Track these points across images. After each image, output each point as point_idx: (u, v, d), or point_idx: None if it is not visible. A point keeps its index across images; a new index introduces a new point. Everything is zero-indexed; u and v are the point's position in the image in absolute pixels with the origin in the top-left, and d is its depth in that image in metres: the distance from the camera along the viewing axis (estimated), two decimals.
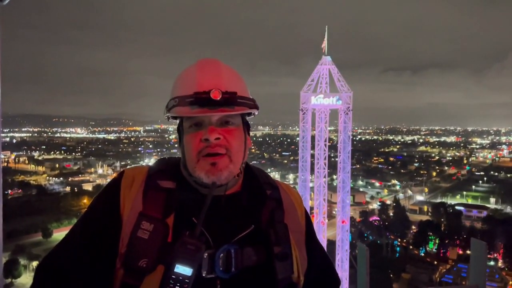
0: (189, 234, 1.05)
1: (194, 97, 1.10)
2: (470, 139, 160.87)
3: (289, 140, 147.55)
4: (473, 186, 79.68)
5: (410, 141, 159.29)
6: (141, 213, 1.11)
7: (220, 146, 1.12)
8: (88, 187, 67.58)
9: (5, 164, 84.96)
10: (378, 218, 55.54)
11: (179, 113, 1.14)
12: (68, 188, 68.56)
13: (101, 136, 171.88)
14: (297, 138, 34.50)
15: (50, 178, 79.10)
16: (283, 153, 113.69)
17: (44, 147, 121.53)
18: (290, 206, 1.28)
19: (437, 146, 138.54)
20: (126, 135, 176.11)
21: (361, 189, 77.95)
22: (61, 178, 77.39)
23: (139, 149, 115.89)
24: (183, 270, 0.99)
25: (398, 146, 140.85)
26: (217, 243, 1.10)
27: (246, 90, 1.22)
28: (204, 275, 1.07)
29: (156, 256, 1.05)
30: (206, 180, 1.12)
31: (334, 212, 45.30)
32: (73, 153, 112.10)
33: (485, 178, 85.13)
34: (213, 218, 1.12)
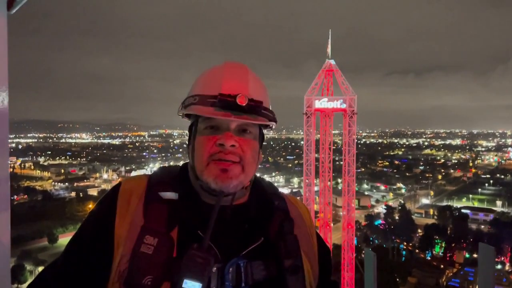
0: (197, 247, 0.97)
1: (219, 99, 1.03)
2: (475, 142, 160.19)
3: (293, 143, 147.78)
4: (479, 189, 79.18)
5: (415, 144, 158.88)
6: (143, 227, 1.04)
7: (234, 154, 1.05)
8: (93, 192, 67.78)
9: (11, 170, 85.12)
10: (384, 222, 55.27)
11: (198, 112, 1.06)
12: (73, 193, 68.76)
13: (106, 141, 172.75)
14: (302, 142, 34.47)
15: (56, 183, 79.40)
16: (288, 157, 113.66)
17: (50, 152, 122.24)
18: (298, 218, 1.23)
19: (442, 149, 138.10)
20: (130, 140, 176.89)
21: (366, 193, 77.63)
22: (67, 184, 77.69)
23: (144, 154, 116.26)
24: (192, 285, 0.92)
25: (403, 149, 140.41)
26: (226, 257, 1.04)
27: (269, 101, 1.16)
28: None
29: (161, 272, 0.98)
30: (213, 186, 1.05)
31: (339, 216, 45.15)
32: (78, 159, 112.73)
33: (491, 181, 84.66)
34: (220, 230, 1.04)
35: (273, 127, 1.17)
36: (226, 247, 1.05)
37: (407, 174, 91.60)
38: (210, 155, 1.05)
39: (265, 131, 1.20)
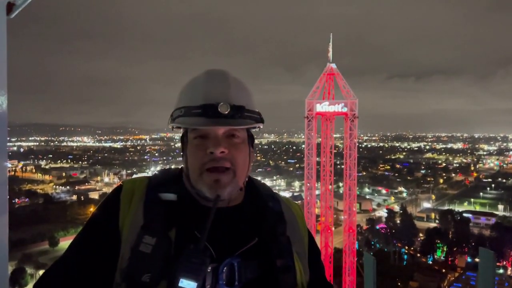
0: (193, 247, 1.02)
1: (202, 109, 1.09)
2: (477, 146, 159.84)
3: (294, 147, 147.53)
4: (481, 193, 78.99)
5: (416, 148, 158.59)
6: (142, 227, 1.09)
7: (225, 160, 1.11)
8: (94, 195, 67.72)
9: (13, 173, 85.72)
10: (385, 226, 55.11)
11: (184, 124, 1.12)
12: (74, 197, 68.73)
13: (107, 144, 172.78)
14: (303, 145, 34.48)
15: (57, 186, 79.41)
16: (289, 161, 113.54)
17: (51, 156, 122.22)
18: (292, 219, 1.28)
19: (443, 153, 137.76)
20: (132, 144, 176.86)
21: (367, 197, 77.49)
22: (68, 187, 77.64)
23: (145, 157, 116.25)
24: (188, 284, 0.96)
25: (404, 153, 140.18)
26: (221, 257, 1.09)
27: (253, 102, 1.20)
28: None
29: (159, 270, 1.04)
30: (208, 194, 1.11)
31: (340, 220, 45.07)
32: (80, 162, 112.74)
33: (492, 185, 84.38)
34: (216, 231, 1.10)
35: (261, 127, 1.21)
36: (221, 247, 1.10)
37: (409, 178, 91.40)
38: (202, 164, 1.11)
39: (255, 130, 1.24)
